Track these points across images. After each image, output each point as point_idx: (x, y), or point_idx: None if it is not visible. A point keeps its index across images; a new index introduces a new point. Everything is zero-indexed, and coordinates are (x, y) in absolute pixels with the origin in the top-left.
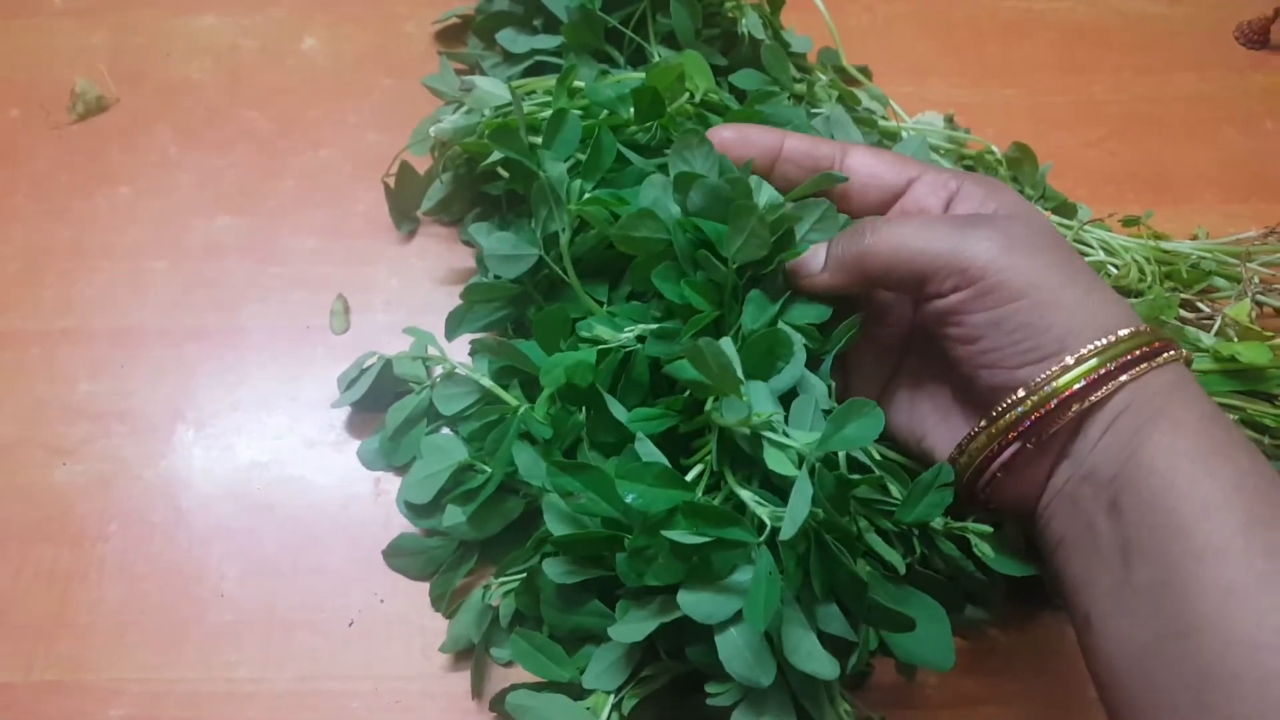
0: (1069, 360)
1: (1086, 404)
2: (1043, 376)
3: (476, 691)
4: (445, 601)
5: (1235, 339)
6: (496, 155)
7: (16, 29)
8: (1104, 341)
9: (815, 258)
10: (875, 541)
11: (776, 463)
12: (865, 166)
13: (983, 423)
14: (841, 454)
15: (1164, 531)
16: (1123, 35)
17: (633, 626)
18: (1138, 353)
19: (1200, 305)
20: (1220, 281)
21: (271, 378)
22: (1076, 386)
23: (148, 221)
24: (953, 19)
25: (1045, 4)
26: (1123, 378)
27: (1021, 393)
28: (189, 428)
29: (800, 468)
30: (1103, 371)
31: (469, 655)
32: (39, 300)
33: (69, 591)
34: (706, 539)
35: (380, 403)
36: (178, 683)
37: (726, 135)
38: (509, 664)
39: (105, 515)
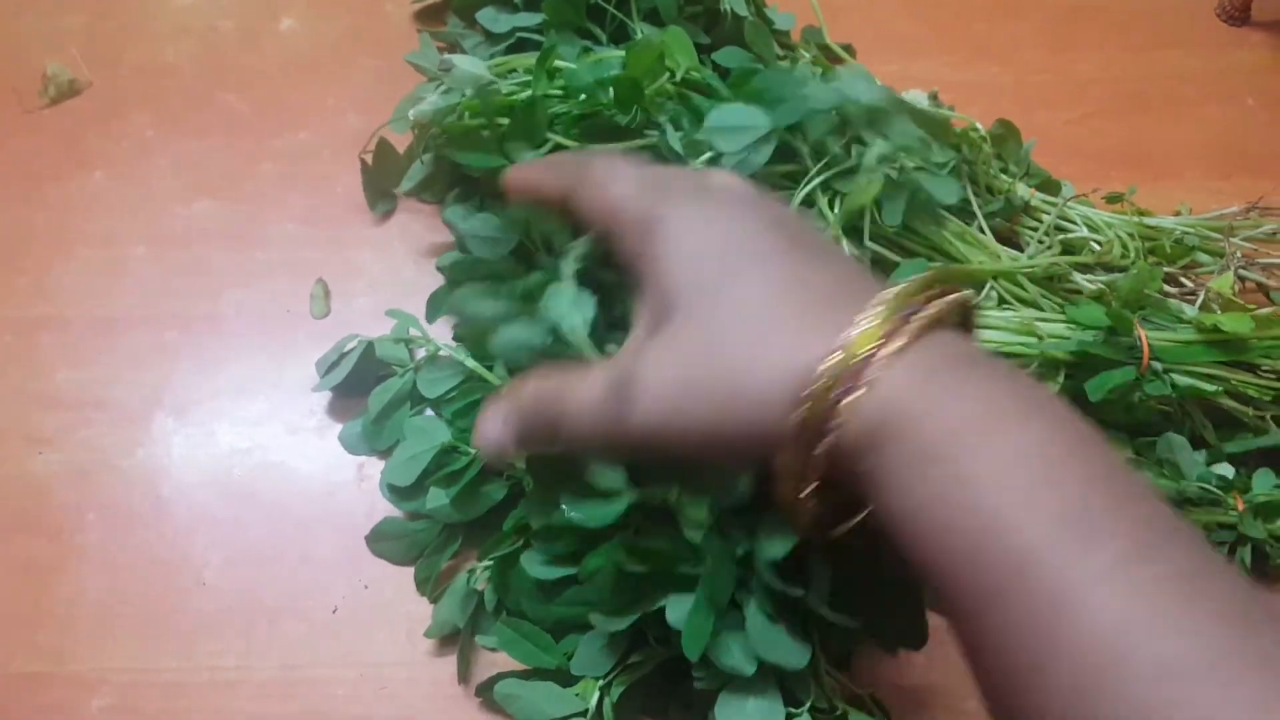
0: (840, 343)
1: (865, 389)
2: (814, 383)
3: (462, 677)
4: (430, 585)
5: (1218, 312)
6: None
7: None
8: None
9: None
10: None
11: None
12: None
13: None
14: None
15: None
16: (1108, 14)
17: (615, 617)
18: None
19: (1184, 280)
20: (1203, 257)
21: (252, 364)
22: (854, 366)
23: (125, 207)
24: None
25: None
26: (895, 344)
27: (802, 409)
28: (169, 415)
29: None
30: (871, 348)
31: (454, 640)
32: (14, 288)
33: (48, 582)
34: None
35: (363, 387)
36: (160, 672)
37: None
38: (496, 649)
39: (84, 505)
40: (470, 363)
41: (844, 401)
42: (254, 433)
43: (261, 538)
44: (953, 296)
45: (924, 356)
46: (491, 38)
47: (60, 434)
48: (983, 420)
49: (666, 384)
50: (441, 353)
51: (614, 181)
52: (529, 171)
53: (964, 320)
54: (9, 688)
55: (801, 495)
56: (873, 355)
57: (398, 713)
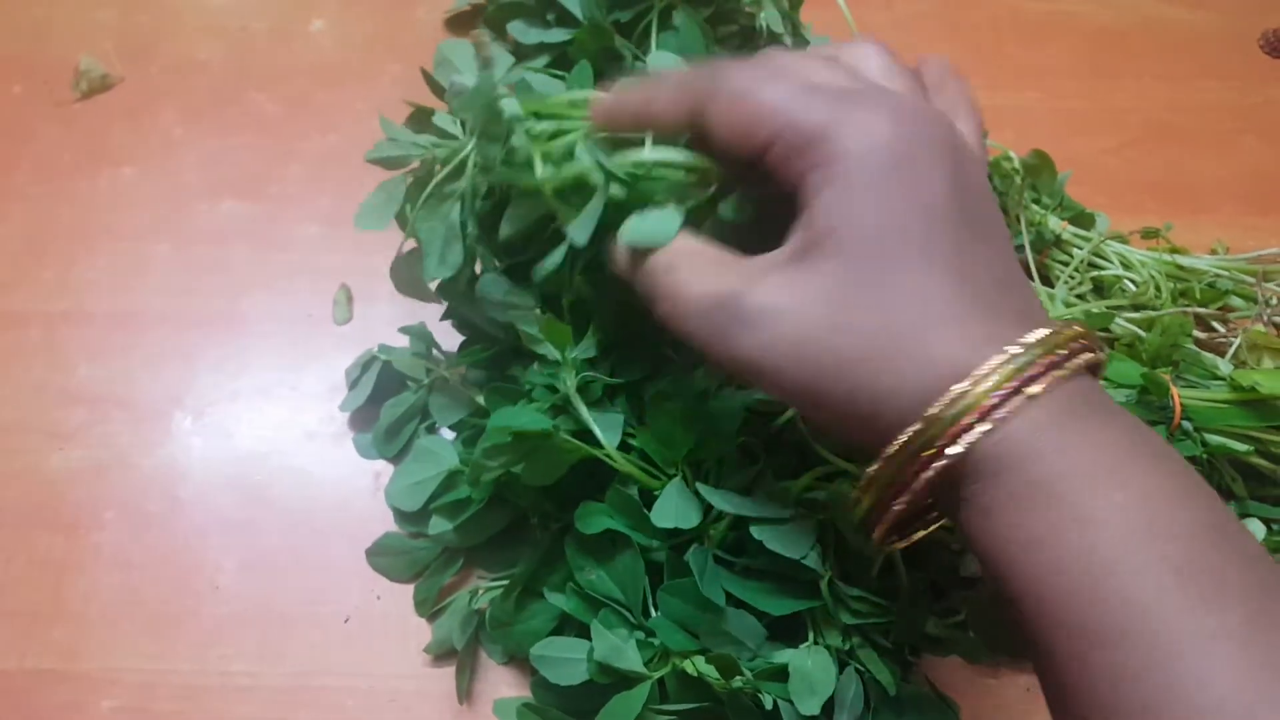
0: (978, 374)
1: (991, 426)
2: (941, 403)
3: (462, 697)
4: (429, 606)
5: (1249, 361)
6: None
7: (21, 3)
8: (1015, 349)
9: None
10: (870, 658)
11: None
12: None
13: (871, 468)
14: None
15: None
16: (1146, 41)
17: None
18: (1024, 375)
19: (1215, 325)
20: (1237, 300)
21: (272, 367)
22: (986, 403)
23: (151, 203)
24: (974, 19)
25: (1068, 6)
26: (1032, 390)
27: (917, 426)
28: (188, 415)
29: None
30: (1009, 387)
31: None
32: (39, 281)
33: (63, 579)
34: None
35: (383, 395)
36: (171, 674)
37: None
38: (506, 662)
39: (101, 503)
40: (480, 398)
41: (970, 429)
42: (272, 437)
43: (276, 543)
44: (1091, 357)
45: (1056, 399)
46: (521, 50)
47: (80, 430)
48: (1106, 464)
49: (797, 327)
50: (451, 380)
51: (764, 85)
52: (631, 96)
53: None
54: (21, 684)
55: (887, 503)
56: (1010, 393)
57: None
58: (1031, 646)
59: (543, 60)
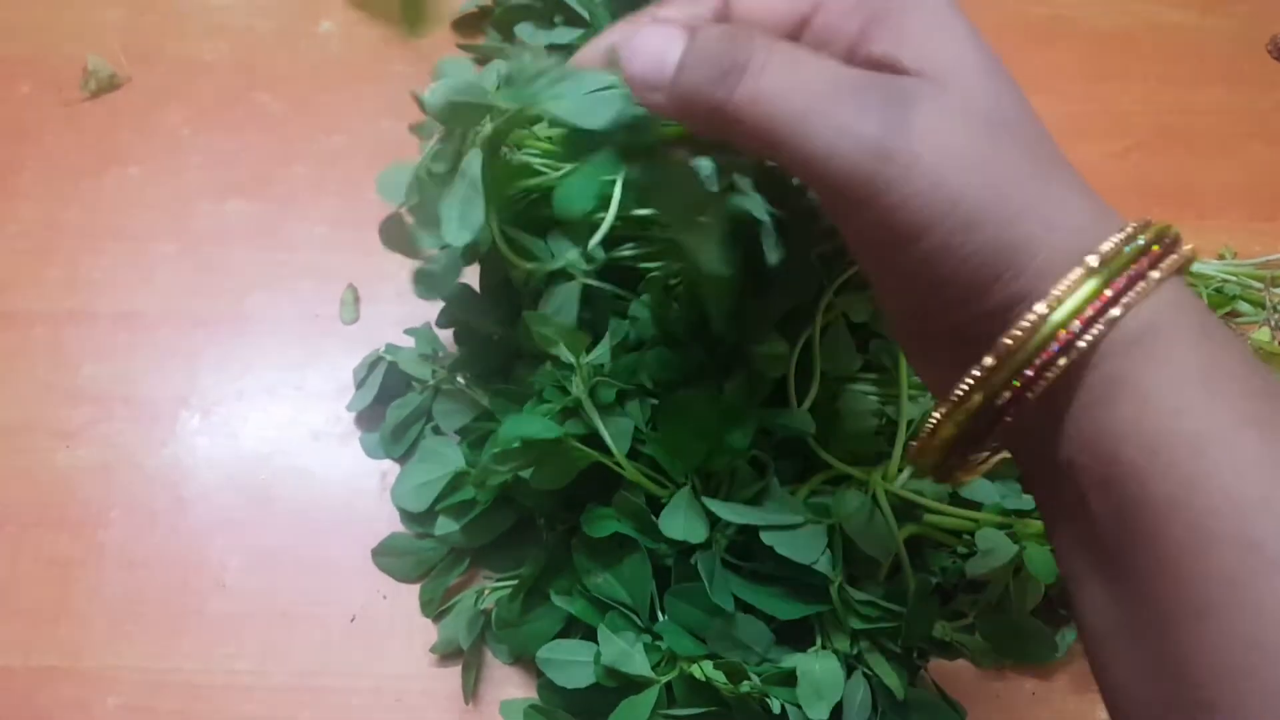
0: (1058, 290)
1: (1085, 342)
2: (1028, 322)
3: (468, 696)
4: (435, 606)
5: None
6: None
7: (29, 3)
8: (1101, 252)
9: (662, 60)
10: (877, 663)
11: None
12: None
13: (955, 395)
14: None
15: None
16: (1152, 45)
17: None
18: (1143, 261)
19: None
20: (1244, 306)
21: (278, 367)
22: (1074, 326)
23: (157, 203)
24: (978, 23)
25: (1074, 11)
26: (1126, 299)
27: (995, 353)
28: (193, 414)
29: None
30: (1106, 295)
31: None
32: (44, 280)
33: (69, 577)
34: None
35: (389, 395)
36: (176, 673)
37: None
38: (513, 663)
39: (107, 501)
40: (484, 400)
41: (1092, 327)
42: (278, 436)
43: (282, 543)
44: (1188, 249)
45: (1175, 292)
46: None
47: (86, 429)
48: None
49: (959, 143)
50: (455, 385)
51: None
52: (610, 37)
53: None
54: (26, 680)
55: (990, 419)
56: (1138, 276)
57: None
58: (1157, 576)
59: None
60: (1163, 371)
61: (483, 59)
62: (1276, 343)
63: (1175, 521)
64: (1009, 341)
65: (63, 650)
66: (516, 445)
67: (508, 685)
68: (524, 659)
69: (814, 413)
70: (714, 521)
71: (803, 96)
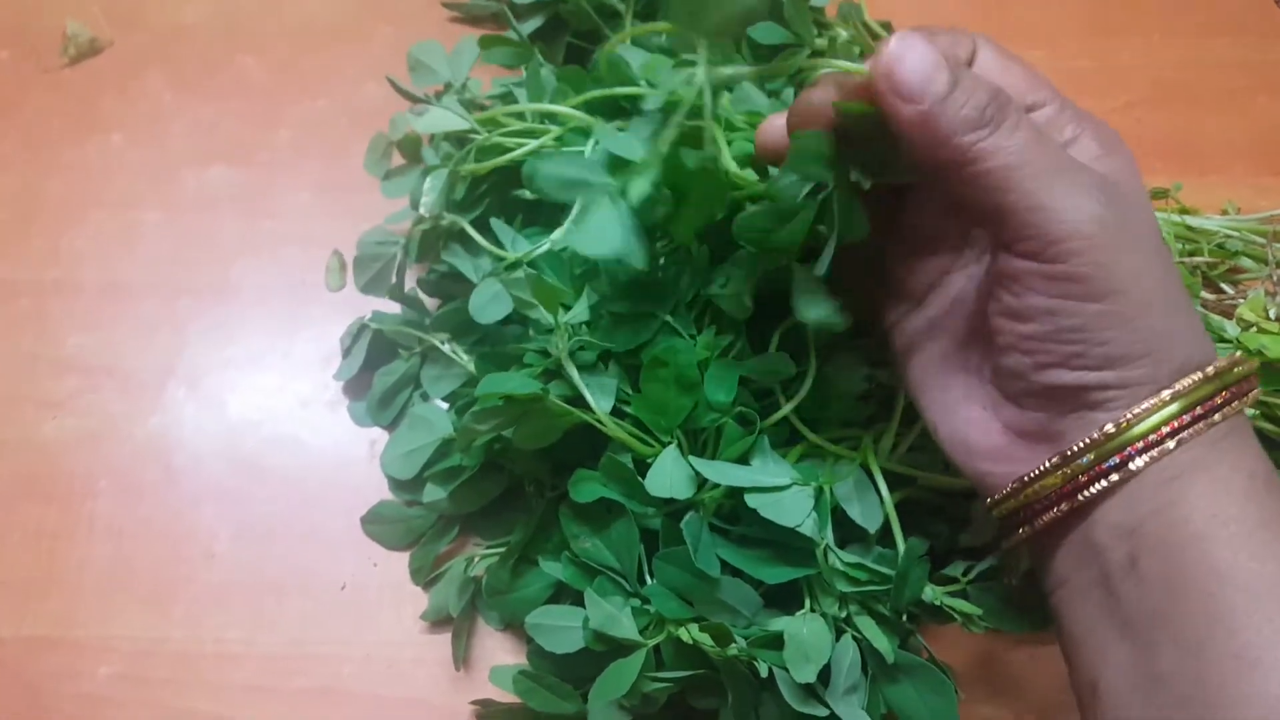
0: (1165, 395)
1: (1160, 452)
2: (1136, 412)
3: (458, 663)
4: (425, 574)
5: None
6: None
7: None
8: (1195, 378)
9: (930, 79)
10: (867, 626)
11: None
12: (991, 73)
13: (1052, 460)
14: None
15: (1198, 619)
16: None
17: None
18: (1220, 397)
19: (1224, 286)
20: (1247, 262)
21: (265, 335)
22: (1165, 429)
23: (140, 171)
24: None
25: None
26: (1200, 425)
27: (1109, 428)
28: (181, 384)
29: None
30: (1188, 416)
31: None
32: (28, 250)
33: (57, 548)
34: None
35: (377, 362)
36: (167, 642)
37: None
38: (504, 629)
39: (95, 472)
40: (471, 367)
41: (1144, 453)
42: (266, 405)
43: (271, 511)
44: (1252, 395)
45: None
46: (516, 10)
47: (72, 399)
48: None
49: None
50: (442, 349)
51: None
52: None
53: None
54: (17, 651)
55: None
56: (1201, 415)
57: (405, 692)
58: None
59: (538, 19)
60: (1200, 485)
61: (467, 18)
62: (1267, 313)
63: (1195, 605)
64: (1077, 446)
65: (54, 621)
66: (498, 403)
67: (498, 651)
68: (514, 625)
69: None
70: (701, 483)
71: (1046, 161)
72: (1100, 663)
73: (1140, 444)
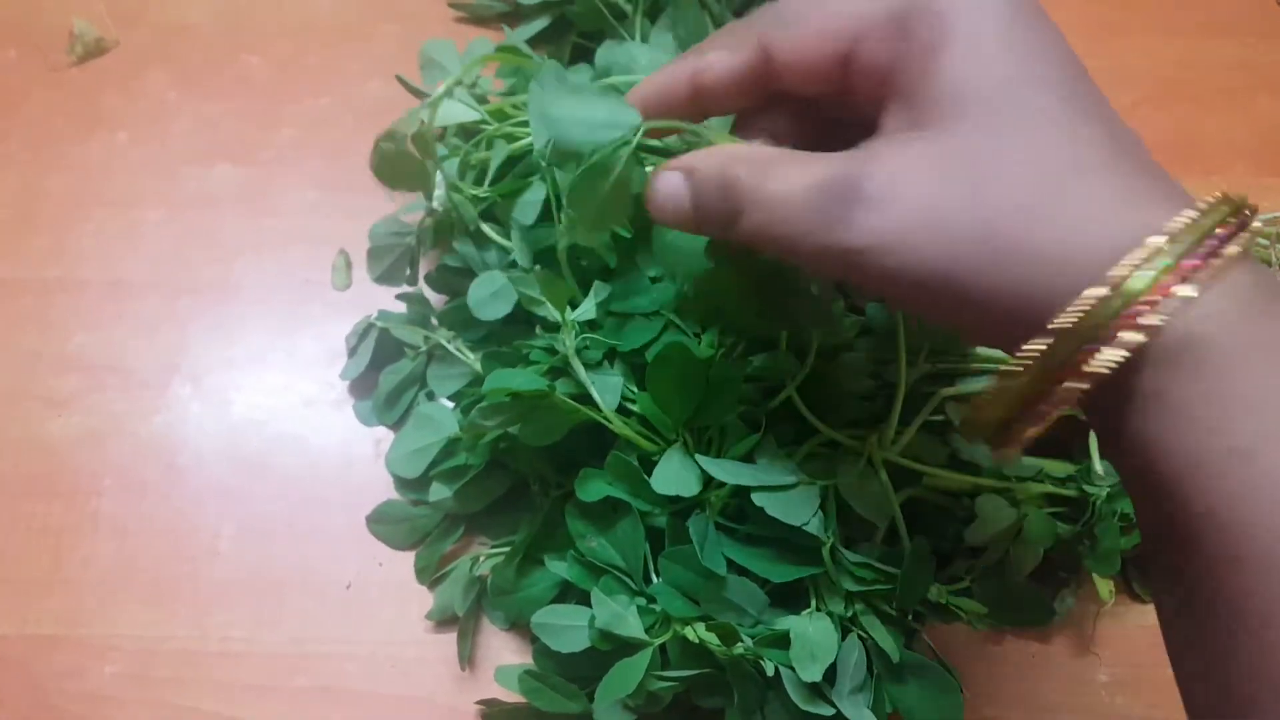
0: (1170, 228)
1: (1194, 294)
2: (1127, 263)
3: (464, 662)
4: (430, 573)
5: None
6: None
7: None
8: (1168, 230)
9: (679, 201)
10: (872, 625)
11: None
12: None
13: (1004, 371)
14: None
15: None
16: None
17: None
18: (1219, 232)
19: None
20: None
21: (269, 333)
22: (1184, 266)
23: (143, 169)
24: None
25: None
26: (1229, 249)
27: (1101, 292)
28: (185, 382)
29: None
30: (1201, 251)
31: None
32: (31, 249)
33: (62, 546)
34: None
35: (382, 361)
36: (170, 640)
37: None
38: (509, 628)
39: (99, 470)
40: (477, 365)
41: (1160, 302)
42: (270, 403)
43: (275, 510)
44: (1253, 229)
45: (1250, 276)
46: (521, 10)
47: (76, 397)
48: None
49: (931, 194)
50: (448, 348)
51: None
52: (674, 74)
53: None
54: (21, 649)
55: (1033, 406)
56: (1203, 261)
57: (409, 692)
58: (1199, 583)
59: (544, 20)
60: (1203, 386)
61: (472, 17)
62: None
63: (1209, 538)
64: (1069, 322)
65: (58, 619)
66: (504, 400)
67: (503, 651)
68: (519, 624)
69: (808, 381)
70: (708, 482)
71: (785, 224)
72: (1156, 598)
73: (1127, 312)
